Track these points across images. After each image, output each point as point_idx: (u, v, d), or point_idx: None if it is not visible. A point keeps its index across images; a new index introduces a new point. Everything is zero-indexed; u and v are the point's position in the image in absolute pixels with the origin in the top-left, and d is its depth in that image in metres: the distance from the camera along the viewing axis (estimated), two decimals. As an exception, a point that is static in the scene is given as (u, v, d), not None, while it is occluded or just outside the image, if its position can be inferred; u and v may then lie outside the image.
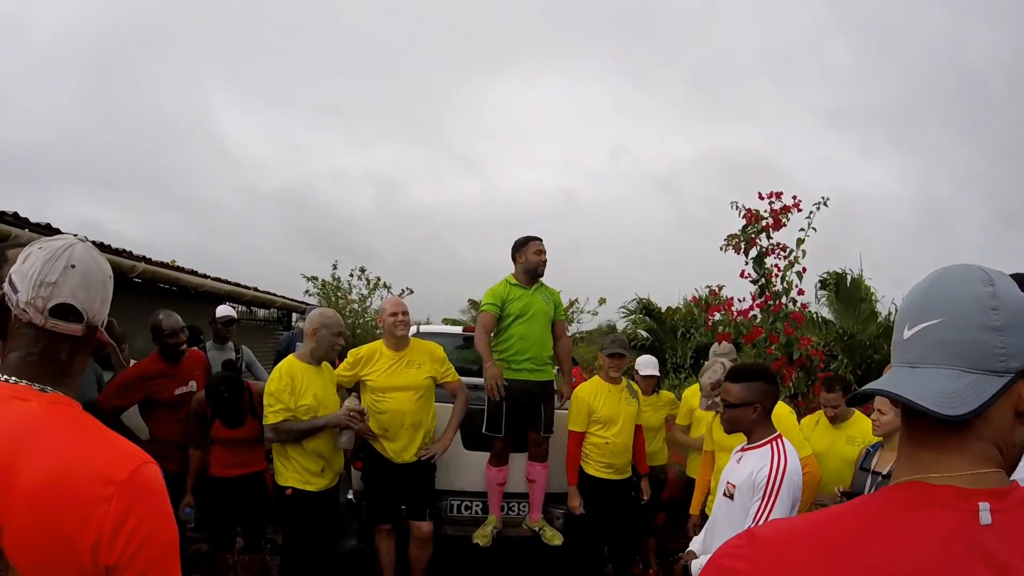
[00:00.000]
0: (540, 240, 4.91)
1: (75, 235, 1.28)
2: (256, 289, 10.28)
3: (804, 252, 6.18)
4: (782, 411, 3.79)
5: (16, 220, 4.92)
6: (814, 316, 9.30)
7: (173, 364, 4.31)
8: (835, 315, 10.21)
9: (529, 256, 4.83)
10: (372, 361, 4.42)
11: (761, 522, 2.54)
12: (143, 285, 7.01)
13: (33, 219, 5.14)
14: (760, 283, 6.43)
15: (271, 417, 3.91)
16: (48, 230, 5.16)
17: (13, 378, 1.17)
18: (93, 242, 5.68)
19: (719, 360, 4.42)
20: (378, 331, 15.16)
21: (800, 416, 4.47)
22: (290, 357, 4.20)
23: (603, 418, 4.63)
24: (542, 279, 4.94)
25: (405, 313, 4.42)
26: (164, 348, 4.29)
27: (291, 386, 3.97)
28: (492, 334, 4.87)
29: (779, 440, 2.77)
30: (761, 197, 6.39)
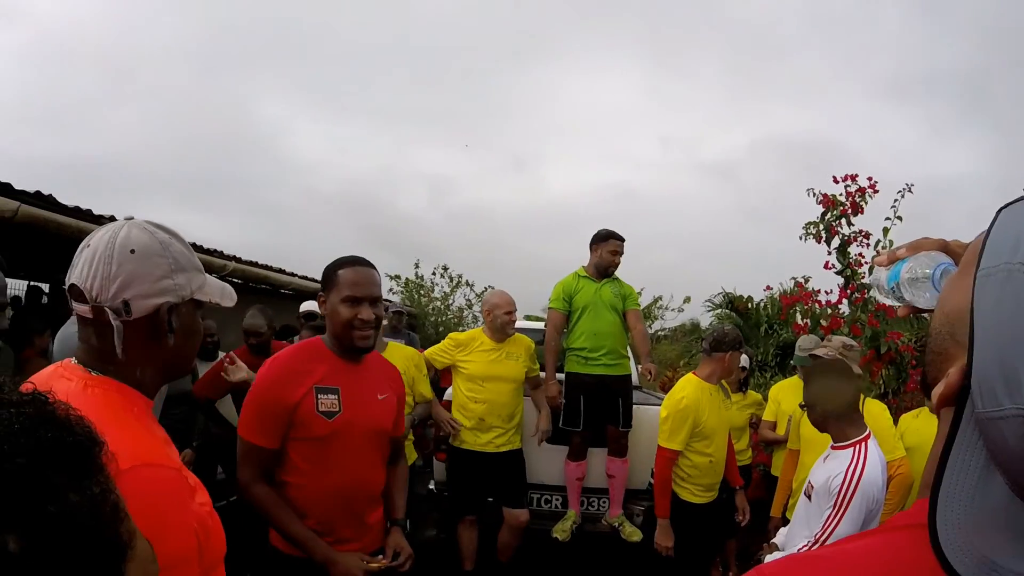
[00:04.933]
0: (620, 241, 4.87)
1: (131, 217, 1.26)
2: (342, 287, 10.52)
3: (891, 242, 5.97)
4: (876, 409, 3.66)
5: (114, 221, 5.21)
6: (901, 311, 8.91)
7: (261, 357, 4.50)
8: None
9: (604, 253, 4.82)
10: (471, 348, 4.52)
11: (829, 531, 2.48)
12: (235, 283, 7.20)
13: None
14: (846, 274, 6.25)
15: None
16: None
17: (75, 360, 1.21)
18: (192, 243, 5.90)
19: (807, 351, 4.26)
20: (461, 328, 15.53)
21: (895, 416, 4.17)
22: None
23: (708, 430, 3.89)
24: (615, 274, 4.91)
25: (514, 311, 4.51)
26: (247, 344, 4.51)
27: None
28: (561, 333, 4.89)
29: (864, 443, 2.64)
30: (836, 181, 6.20)
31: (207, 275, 1.33)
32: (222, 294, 1.35)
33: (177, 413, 4.40)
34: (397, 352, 4.21)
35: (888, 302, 0.93)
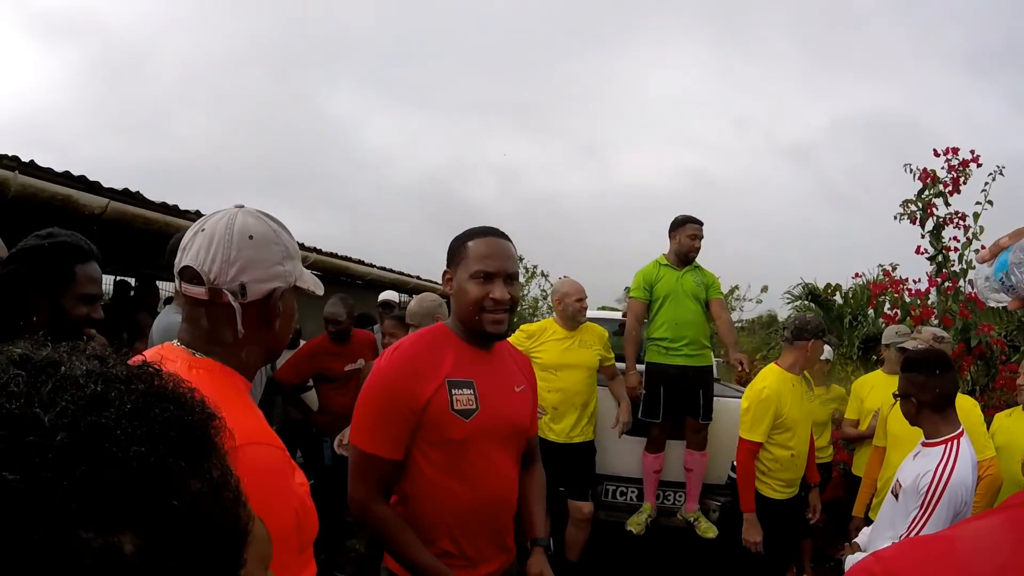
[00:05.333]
0: (699, 224, 4.78)
1: (241, 204, 1.30)
2: (419, 278, 10.69)
3: (982, 228, 5.70)
4: (966, 404, 3.44)
5: (198, 217, 5.38)
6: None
7: (340, 344, 4.62)
8: None
9: (682, 238, 4.73)
10: (543, 338, 4.49)
11: (914, 532, 2.37)
12: (315, 273, 7.39)
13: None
14: (938, 260, 5.99)
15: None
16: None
17: (178, 343, 1.25)
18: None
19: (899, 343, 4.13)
20: (535, 317, 15.55)
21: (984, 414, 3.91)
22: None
23: (790, 422, 3.77)
24: (696, 261, 4.81)
25: (585, 298, 4.48)
26: (327, 332, 4.63)
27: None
28: (642, 322, 4.83)
29: (955, 441, 2.50)
30: (937, 154, 5.94)
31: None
32: (315, 283, 1.40)
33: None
34: None
35: (995, 299, 0.89)
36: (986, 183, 5.75)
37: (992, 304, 0.90)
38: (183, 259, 1.23)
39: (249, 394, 1.25)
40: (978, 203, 5.79)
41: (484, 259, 1.90)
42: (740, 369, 4.68)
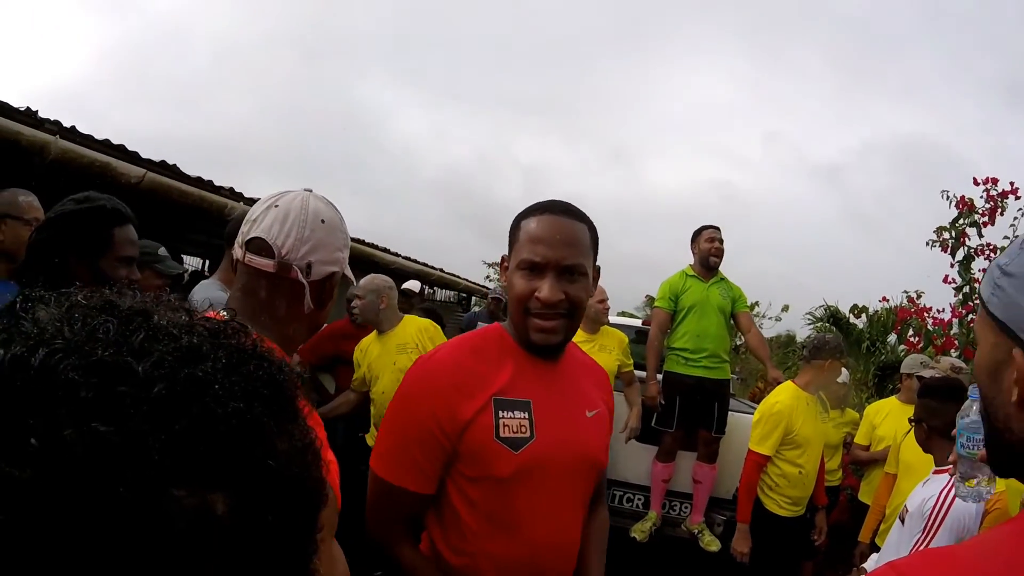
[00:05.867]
0: (716, 229, 4.82)
1: (309, 188, 1.34)
2: (442, 271, 10.75)
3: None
4: None
5: (232, 194, 5.41)
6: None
7: (361, 328, 4.68)
8: None
9: (702, 244, 4.77)
10: None
11: None
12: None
13: (247, 194, 5.66)
14: (965, 291, 5.95)
15: None
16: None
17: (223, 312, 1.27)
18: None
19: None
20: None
21: None
22: None
23: (801, 439, 3.74)
24: (723, 273, 4.84)
25: (605, 300, 4.47)
26: (349, 313, 4.65)
27: None
28: (666, 333, 4.83)
29: None
30: (976, 183, 5.89)
31: None
32: (350, 273, 1.45)
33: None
34: (411, 325, 4.12)
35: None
36: (1016, 217, 5.71)
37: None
38: (253, 230, 1.26)
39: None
40: (1005, 237, 5.75)
41: (534, 244, 1.44)
42: (764, 387, 4.67)
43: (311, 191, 1.33)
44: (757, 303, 16.14)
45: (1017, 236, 5.66)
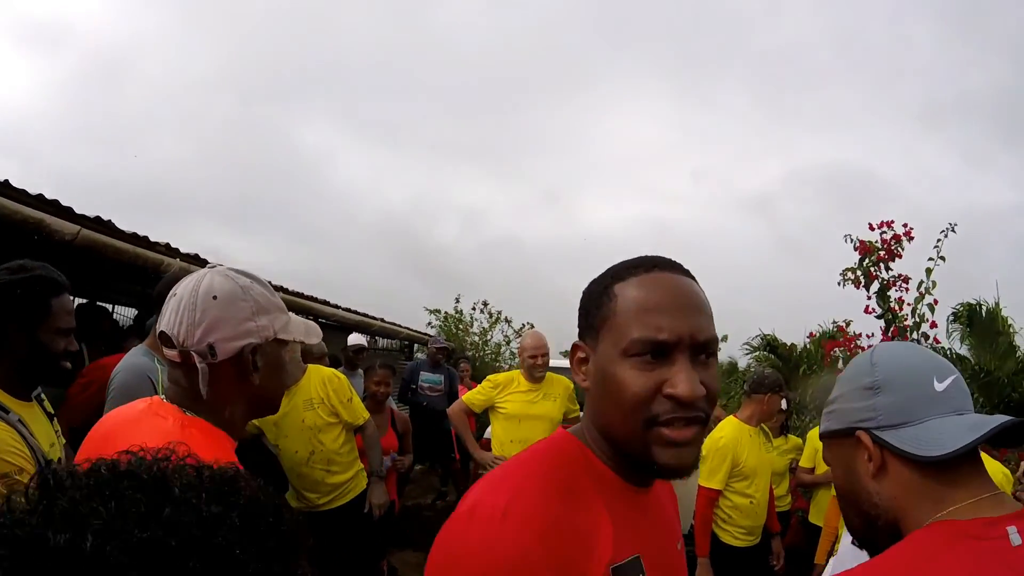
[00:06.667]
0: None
1: (214, 265, 1.33)
2: (383, 320, 10.67)
3: (934, 283, 5.91)
4: None
5: (167, 250, 5.30)
6: (947, 352, 8.75)
7: None
8: (970, 351, 9.56)
9: None
10: (508, 389, 4.50)
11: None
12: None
13: (183, 249, 5.53)
14: (886, 317, 6.18)
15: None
16: (196, 260, 5.56)
17: (166, 399, 1.29)
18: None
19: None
20: (497, 365, 15.48)
21: None
22: None
23: (748, 470, 3.87)
24: None
25: (545, 355, 4.45)
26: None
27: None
28: None
29: None
30: (872, 228, 6.16)
31: (291, 315, 1.39)
32: (307, 332, 1.41)
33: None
34: (316, 376, 3.83)
35: None
36: (938, 240, 5.95)
37: None
38: (160, 324, 1.27)
39: (234, 453, 1.25)
40: (930, 259, 5.99)
41: (651, 315, 0.97)
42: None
43: (214, 267, 1.31)
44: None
45: (943, 257, 5.93)
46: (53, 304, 1.87)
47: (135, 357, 2.55)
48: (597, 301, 1.04)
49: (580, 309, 1.09)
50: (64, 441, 2.06)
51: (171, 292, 1.29)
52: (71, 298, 1.98)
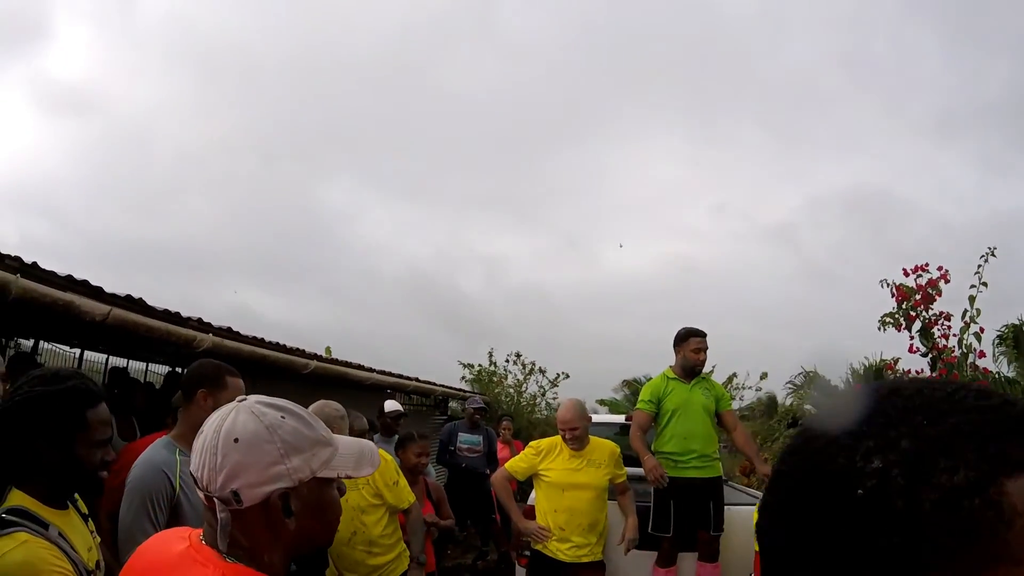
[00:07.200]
0: (702, 337, 4.80)
1: (245, 398, 1.23)
2: (418, 379, 10.61)
3: (979, 311, 5.70)
4: None
5: (200, 325, 5.29)
6: (997, 377, 8.47)
7: None
8: (1018, 372, 9.24)
9: (687, 353, 4.75)
10: (552, 455, 4.32)
11: None
12: (316, 378, 7.34)
13: (215, 323, 5.52)
14: (932, 355, 5.99)
15: None
16: (229, 334, 5.55)
17: (204, 540, 1.19)
18: (276, 343, 5.97)
19: None
20: (534, 416, 15.31)
21: None
22: None
23: None
24: (704, 373, 4.85)
25: (576, 428, 4.22)
26: None
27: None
28: (646, 432, 4.78)
29: None
30: (906, 273, 6.02)
31: (339, 443, 1.27)
32: (358, 463, 1.27)
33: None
34: None
35: None
36: (979, 265, 5.78)
37: None
38: (191, 464, 1.18)
39: None
40: (972, 286, 5.81)
41: None
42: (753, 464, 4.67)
43: (245, 399, 1.21)
44: (735, 374, 16.11)
45: (984, 283, 5.74)
46: (89, 416, 1.79)
47: (155, 451, 2.50)
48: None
49: None
50: (99, 539, 1.98)
51: (200, 430, 1.18)
52: (106, 407, 1.91)
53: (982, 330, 5.68)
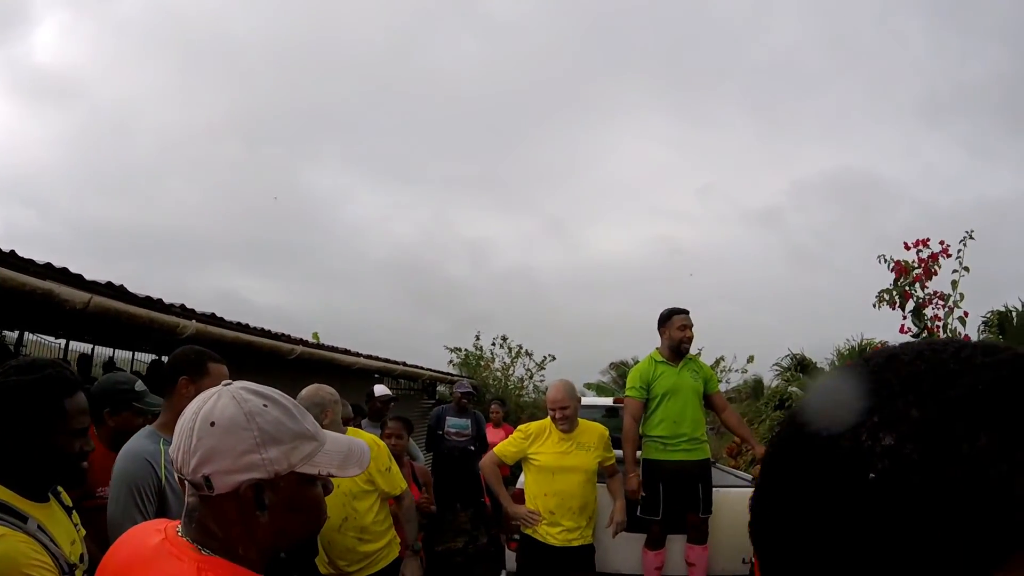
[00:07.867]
0: (685, 314, 4.76)
1: (230, 382, 1.19)
2: (405, 364, 10.58)
3: (962, 296, 5.72)
4: None
5: (183, 311, 5.23)
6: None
7: None
8: None
9: (672, 332, 4.71)
10: (541, 439, 4.29)
11: None
12: (302, 364, 7.29)
13: (199, 309, 5.47)
14: (923, 336, 6.01)
15: None
16: (213, 320, 5.50)
17: (182, 532, 1.15)
18: (261, 329, 5.90)
19: None
20: (521, 399, 15.35)
21: None
22: None
23: None
24: (691, 354, 4.82)
25: (566, 408, 4.18)
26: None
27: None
28: (640, 420, 4.75)
29: None
30: (907, 247, 6.02)
31: (327, 439, 1.20)
32: (344, 462, 1.20)
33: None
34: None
35: None
36: (959, 249, 5.79)
37: None
38: (172, 445, 1.15)
39: None
40: (955, 271, 5.83)
41: None
42: (742, 442, 4.68)
43: (230, 383, 1.17)
44: (722, 357, 16.16)
45: (966, 268, 5.77)
46: (67, 404, 1.76)
47: (138, 441, 2.44)
48: None
49: None
50: (84, 532, 1.95)
51: (182, 412, 1.15)
52: (84, 396, 1.87)
53: (966, 314, 5.72)
